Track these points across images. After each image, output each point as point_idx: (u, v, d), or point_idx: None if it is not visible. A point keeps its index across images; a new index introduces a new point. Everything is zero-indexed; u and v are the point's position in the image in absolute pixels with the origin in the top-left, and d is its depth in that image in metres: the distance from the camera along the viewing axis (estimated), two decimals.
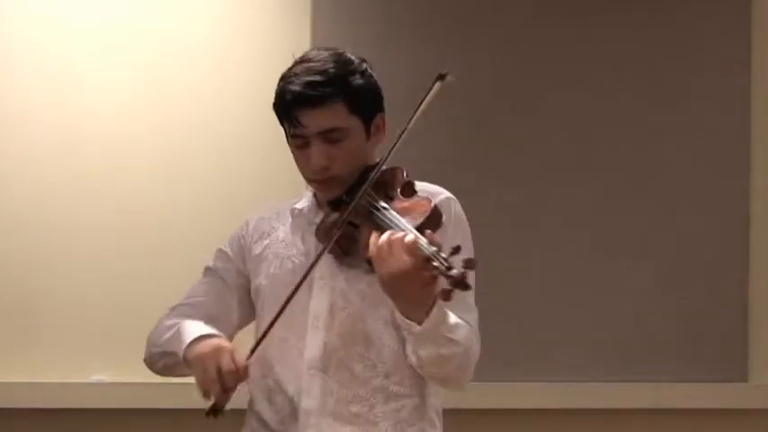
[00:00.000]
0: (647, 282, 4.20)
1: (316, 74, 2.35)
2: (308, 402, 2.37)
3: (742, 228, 4.28)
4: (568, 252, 4.15)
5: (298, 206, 2.49)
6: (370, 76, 2.42)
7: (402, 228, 2.20)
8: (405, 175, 2.36)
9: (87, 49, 3.91)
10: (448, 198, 2.39)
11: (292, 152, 2.44)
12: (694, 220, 4.23)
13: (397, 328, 2.32)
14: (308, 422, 2.37)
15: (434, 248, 2.09)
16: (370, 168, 2.38)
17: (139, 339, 3.88)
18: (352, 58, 2.41)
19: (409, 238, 2.14)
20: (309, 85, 2.34)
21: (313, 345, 2.38)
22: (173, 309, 2.58)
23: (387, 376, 2.37)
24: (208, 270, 2.58)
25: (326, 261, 2.37)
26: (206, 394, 2.29)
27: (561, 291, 4.12)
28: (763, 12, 4.31)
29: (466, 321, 2.31)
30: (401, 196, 2.32)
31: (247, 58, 3.99)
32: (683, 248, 4.23)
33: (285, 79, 2.41)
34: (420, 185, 2.37)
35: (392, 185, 2.35)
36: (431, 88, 2.34)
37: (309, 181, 2.43)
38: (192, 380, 3.99)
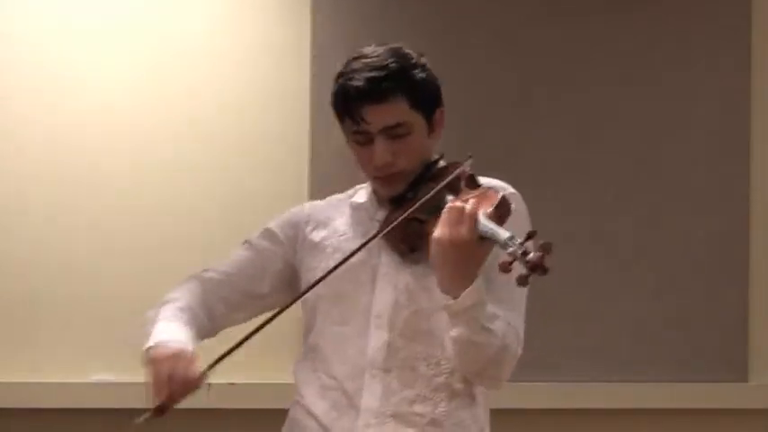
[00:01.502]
0: (647, 282, 4.20)
1: (377, 69, 2.33)
2: (369, 402, 2.34)
3: (742, 228, 4.28)
4: (568, 252, 4.14)
5: (358, 200, 2.46)
6: (429, 69, 2.41)
7: None
8: (467, 168, 2.34)
9: (87, 48, 3.91)
10: (513, 193, 2.38)
11: (353, 149, 2.41)
12: (694, 221, 4.23)
13: None
14: (369, 421, 2.34)
15: (508, 234, 2.08)
16: (430, 163, 2.38)
17: (139, 339, 3.90)
18: (410, 52, 2.40)
19: (470, 209, 2.13)
20: (372, 80, 2.32)
21: (376, 344, 2.35)
22: (203, 271, 2.53)
23: (451, 373, 2.34)
24: (249, 246, 2.53)
25: (390, 258, 2.35)
26: (154, 395, 2.31)
27: (561, 291, 4.11)
28: (763, 12, 4.31)
29: (507, 319, 2.28)
30: (466, 189, 2.29)
31: (247, 58, 3.99)
32: (684, 249, 4.23)
33: (344, 76, 2.37)
34: (483, 179, 2.36)
35: (456, 179, 2.32)
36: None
37: (372, 177, 2.41)
38: None
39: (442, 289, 2.20)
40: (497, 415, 4.24)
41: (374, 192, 2.45)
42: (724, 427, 4.22)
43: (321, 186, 3.96)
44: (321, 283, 2.36)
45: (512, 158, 4.14)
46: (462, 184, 2.31)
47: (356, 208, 2.46)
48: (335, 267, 2.31)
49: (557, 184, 4.17)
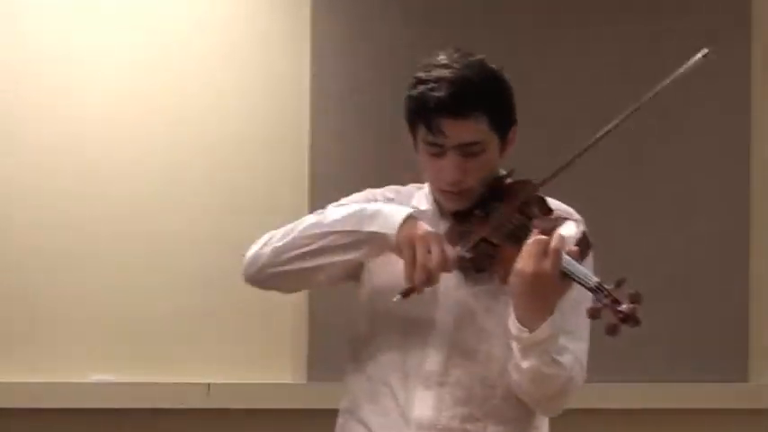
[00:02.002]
0: (647, 282, 4.18)
1: (464, 84, 2.28)
2: (421, 413, 2.31)
3: (742, 229, 4.28)
4: None
5: (419, 206, 2.40)
6: (509, 85, 2.38)
7: None
8: (536, 190, 2.32)
9: (87, 48, 3.91)
10: (579, 219, 2.37)
11: (422, 156, 2.34)
12: (694, 221, 4.23)
13: None
14: None
15: (596, 279, 2.08)
16: (498, 179, 2.35)
17: (139, 339, 3.91)
18: (494, 68, 2.36)
19: (555, 245, 2.13)
20: (456, 95, 2.26)
21: (434, 358, 2.32)
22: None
23: (504, 399, 2.32)
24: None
25: (454, 275, 2.30)
26: (410, 277, 2.18)
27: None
28: (764, 12, 4.31)
29: (574, 351, 2.30)
30: (538, 213, 2.30)
31: (247, 57, 3.99)
32: (684, 249, 4.23)
33: (425, 82, 2.29)
34: (552, 203, 2.36)
35: (528, 202, 2.31)
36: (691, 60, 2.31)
37: (437, 190, 2.36)
38: (190, 380, 4.02)
39: (518, 319, 2.19)
40: None
41: (436, 200, 2.40)
42: (724, 427, 4.23)
43: (321, 186, 3.96)
44: (385, 291, 2.32)
45: (511, 158, 4.14)
46: (536, 209, 2.31)
47: (418, 215, 2.37)
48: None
49: (555, 183, 4.16)
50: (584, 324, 2.31)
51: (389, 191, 2.47)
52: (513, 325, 2.21)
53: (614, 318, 2.05)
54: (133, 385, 3.86)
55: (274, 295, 2.51)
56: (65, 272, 3.87)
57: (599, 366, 4.14)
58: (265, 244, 2.36)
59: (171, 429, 3.91)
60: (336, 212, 2.33)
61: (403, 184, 2.49)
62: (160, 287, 3.90)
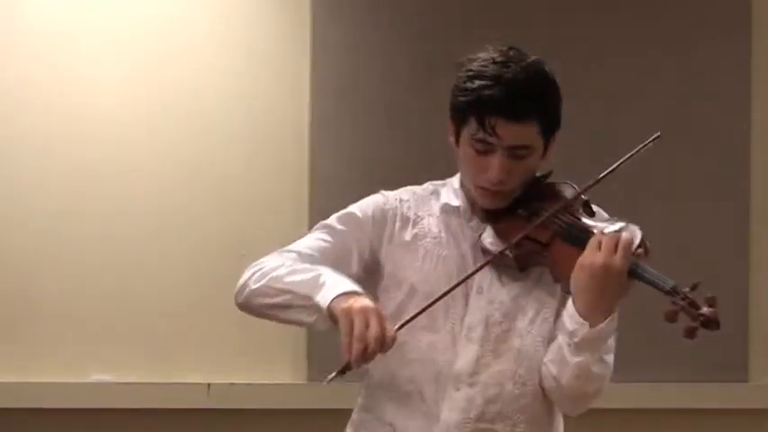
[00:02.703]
0: None
1: (522, 86, 2.28)
2: (449, 414, 2.30)
3: (742, 228, 4.28)
4: None
5: (450, 202, 2.38)
6: (559, 91, 2.39)
7: None
8: (576, 190, 2.35)
9: (87, 48, 3.91)
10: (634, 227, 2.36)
11: (465, 151, 2.32)
12: (694, 220, 4.23)
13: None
14: None
15: (672, 281, 2.10)
16: (536, 180, 2.35)
17: (139, 339, 3.91)
18: (550, 72, 2.37)
19: (627, 238, 2.16)
20: (514, 97, 2.26)
21: (465, 357, 2.30)
22: (287, 252, 2.35)
23: (534, 396, 2.32)
24: (329, 228, 2.39)
25: (487, 273, 2.30)
26: (348, 351, 2.10)
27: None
28: (764, 12, 4.31)
29: (610, 353, 2.30)
30: (587, 215, 2.32)
31: (247, 58, 3.99)
32: (683, 248, 4.22)
33: (481, 77, 2.28)
34: (594, 207, 2.37)
35: (570, 203, 2.32)
36: (645, 145, 2.39)
37: (476, 187, 2.33)
38: (190, 380, 4.02)
39: (580, 313, 2.19)
40: None
41: (467, 196, 2.38)
42: (724, 427, 4.22)
43: (321, 186, 3.96)
44: (416, 285, 2.31)
45: None
46: (581, 209, 2.33)
47: (448, 211, 2.39)
48: (455, 287, 2.24)
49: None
50: (613, 331, 2.31)
51: (405, 192, 2.44)
52: (570, 318, 2.21)
53: (693, 321, 2.07)
54: (133, 385, 3.86)
55: None
56: (65, 272, 3.87)
57: None
58: (248, 278, 2.32)
59: (171, 429, 3.91)
60: (299, 270, 2.26)
61: (404, 184, 2.48)
62: (160, 287, 3.90)
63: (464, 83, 2.30)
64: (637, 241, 2.19)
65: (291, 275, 2.25)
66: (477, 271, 2.27)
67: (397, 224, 2.39)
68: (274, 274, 2.28)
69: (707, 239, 4.24)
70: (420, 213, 2.40)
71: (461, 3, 4.13)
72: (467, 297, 2.31)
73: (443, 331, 2.31)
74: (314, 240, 2.38)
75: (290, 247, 2.37)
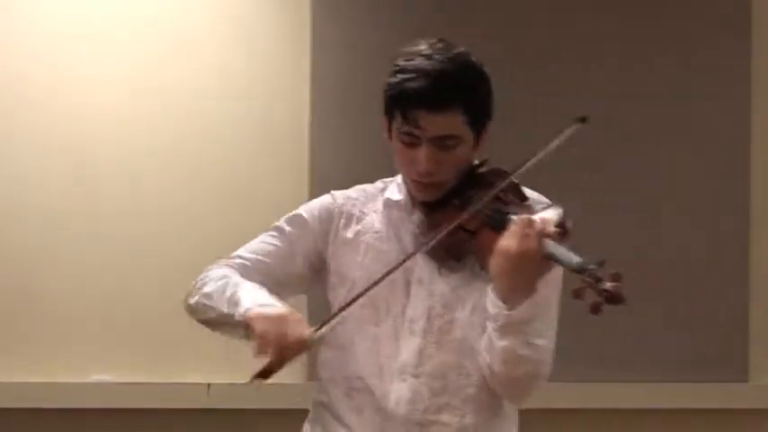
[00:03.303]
0: (647, 282, 4.20)
1: (445, 77, 2.28)
2: (397, 406, 2.32)
3: (742, 228, 4.28)
4: None
5: (392, 197, 2.42)
6: (489, 81, 2.38)
7: None
8: (511, 178, 2.34)
9: (87, 47, 3.91)
10: (556, 206, 2.36)
11: (395, 146, 2.35)
12: (694, 221, 4.23)
13: None
14: (397, 428, 2.32)
15: (579, 258, 2.10)
16: (472, 168, 2.36)
17: (139, 339, 3.91)
18: (477, 62, 2.36)
19: (538, 225, 2.15)
20: (435, 88, 2.26)
21: (408, 349, 2.33)
22: (231, 258, 2.46)
23: (480, 387, 2.33)
24: (277, 231, 2.47)
25: (426, 265, 2.33)
26: (261, 354, 2.21)
27: (561, 290, 4.11)
28: (764, 12, 4.31)
29: (546, 337, 2.31)
30: (514, 199, 2.31)
31: (247, 58, 3.99)
32: (684, 248, 4.23)
33: (405, 71, 2.30)
34: (526, 191, 2.36)
35: (504, 190, 2.32)
36: (567, 129, 2.37)
37: (409, 180, 2.36)
38: (190, 380, 4.02)
39: (498, 297, 2.21)
40: None
41: (409, 191, 2.41)
42: (724, 427, 4.22)
43: (321, 186, 3.95)
44: (359, 280, 2.35)
45: (510, 159, 4.14)
46: (512, 196, 2.32)
47: (390, 205, 2.41)
48: (388, 273, 2.28)
49: (555, 183, 4.15)
50: (554, 314, 2.35)
51: (355, 190, 2.49)
52: (491, 304, 2.22)
53: (598, 296, 2.07)
54: (133, 385, 3.86)
55: None
56: (65, 272, 3.87)
57: (599, 366, 4.16)
58: (189, 291, 2.45)
59: (171, 429, 3.91)
60: (223, 288, 2.36)
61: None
62: (160, 287, 3.89)
63: (390, 78, 2.33)
64: (552, 223, 2.20)
65: (217, 294, 2.36)
66: (401, 264, 2.28)
67: (342, 222, 2.43)
68: (206, 290, 2.39)
69: (707, 239, 4.24)
70: (365, 210, 2.44)
71: (461, 3, 4.13)
72: (408, 289, 2.34)
73: (386, 324, 2.34)
74: (262, 243, 2.47)
75: (239, 251, 2.47)
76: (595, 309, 2.06)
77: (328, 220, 2.44)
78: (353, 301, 2.27)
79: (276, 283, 2.42)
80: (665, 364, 4.18)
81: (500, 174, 2.35)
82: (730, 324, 4.25)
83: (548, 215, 2.23)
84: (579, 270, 2.09)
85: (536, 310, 2.22)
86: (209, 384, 3.89)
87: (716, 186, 4.26)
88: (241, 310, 2.27)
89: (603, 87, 4.20)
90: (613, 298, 2.05)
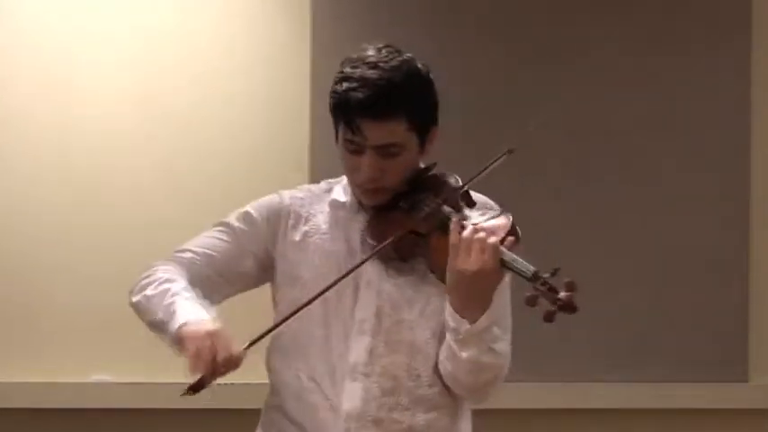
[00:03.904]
0: (647, 282, 4.20)
1: (383, 84, 2.29)
2: (349, 406, 2.35)
3: (742, 228, 4.28)
4: (568, 252, 4.14)
5: (338, 198, 2.44)
6: (433, 86, 2.39)
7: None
8: (459, 182, 2.36)
9: (87, 48, 3.91)
10: (505, 212, 2.38)
11: (340, 151, 2.37)
12: (694, 220, 4.23)
13: (442, 340, 2.33)
14: (350, 425, 2.34)
15: (533, 268, 2.13)
16: (420, 172, 2.38)
17: (139, 339, 3.90)
18: (421, 67, 2.37)
19: (493, 240, 2.17)
20: (375, 96, 2.28)
21: (357, 349, 2.35)
22: (180, 252, 2.48)
23: (430, 386, 2.36)
24: (227, 227, 2.49)
25: (374, 266, 2.35)
26: (193, 372, 2.24)
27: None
28: (763, 12, 4.31)
29: (504, 340, 2.34)
30: (463, 204, 2.33)
31: (247, 58, 3.99)
32: (683, 248, 4.23)
33: (348, 80, 2.32)
34: (475, 196, 2.39)
35: (452, 194, 2.34)
36: (496, 159, 2.37)
37: (354, 185, 2.39)
38: (191, 380, 4.00)
39: (457, 312, 2.24)
40: (496, 415, 4.24)
41: (355, 194, 2.43)
42: (724, 427, 4.22)
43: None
44: (308, 282, 2.37)
45: (510, 158, 4.13)
46: (461, 200, 2.34)
47: (337, 206, 2.44)
48: (333, 284, 2.30)
49: (556, 183, 4.17)
50: (509, 316, 2.37)
51: (301, 191, 2.51)
52: (451, 317, 2.25)
53: (551, 305, 2.11)
54: (133, 385, 3.85)
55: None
56: (65, 272, 3.87)
57: (599, 366, 4.16)
58: (134, 286, 2.53)
59: (171, 429, 3.91)
60: (161, 294, 2.39)
61: None
62: None
63: (335, 85, 2.35)
64: (504, 230, 2.23)
65: (156, 299, 2.39)
66: (352, 271, 2.31)
67: (290, 222, 2.45)
68: (148, 292, 2.44)
69: (707, 239, 4.24)
70: (312, 211, 2.45)
71: (461, 3, 4.13)
72: (356, 290, 2.36)
73: (335, 325, 2.37)
74: (210, 239, 2.48)
75: (188, 245, 2.48)
76: (548, 317, 2.11)
77: (276, 219, 2.46)
78: (287, 318, 2.30)
79: (224, 280, 2.46)
80: (664, 364, 4.18)
81: (448, 177, 2.37)
82: (730, 324, 4.25)
83: (499, 222, 2.25)
84: (534, 279, 2.13)
85: (493, 318, 2.25)
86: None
87: (716, 186, 4.26)
88: (175, 325, 2.30)
89: (603, 87, 4.20)
90: (566, 307, 2.09)
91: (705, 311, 4.22)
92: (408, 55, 2.37)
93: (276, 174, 3.99)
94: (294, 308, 2.31)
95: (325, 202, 2.46)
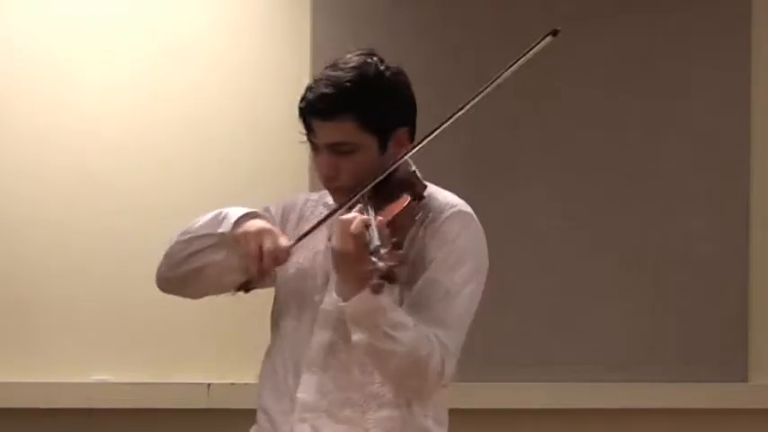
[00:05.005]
0: (646, 281, 4.20)
1: (331, 86, 2.35)
2: (304, 397, 2.40)
3: (742, 228, 4.28)
4: (568, 252, 4.15)
5: (328, 200, 2.51)
6: (396, 89, 2.42)
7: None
8: (418, 180, 2.40)
9: (87, 48, 3.91)
10: (459, 212, 2.40)
11: (310, 152, 2.47)
12: (694, 221, 4.23)
13: None
14: (304, 415, 2.39)
15: (377, 243, 2.14)
16: (389, 176, 2.39)
17: (139, 339, 3.91)
18: (382, 68, 2.41)
19: (355, 224, 2.20)
20: (322, 97, 2.35)
21: (318, 341, 2.40)
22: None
23: (381, 384, 2.37)
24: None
25: None
26: (246, 269, 2.35)
27: (561, 290, 4.12)
28: (764, 12, 4.31)
29: (427, 332, 2.29)
30: (396, 198, 2.34)
31: (247, 58, 3.99)
32: (683, 248, 4.23)
33: (313, 81, 2.42)
34: (441, 194, 2.42)
35: (400, 189, 2.36)
36: (540, 41, 2.37)
37: (323, 185, 2.46)
38: (190, 380, 4.02)
39: (338, 292, 2.29)
40: (496, 415, 4.24)
41: None
42: (724, 427, 4.22)
43: (321, 186, 3.96)
44: (290, 278, 2.46)
45: (510, 158, 4.14)
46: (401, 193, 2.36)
47: (328, 208, 2.50)
48: (297, 240, 2.40)
49: (556, 183, 4.17)
50: (457, 312, 2.34)
51: (317, 193, 2.58)
52: (336, 296, 2.30)
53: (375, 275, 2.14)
54: (133, 385, 3.86)
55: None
56: (65, 272, 3.87)
57: (600, 366, 4.16)
58: (171, 242, 2.57)
59: (171, 429, 3.91)
60: (203, 217, 2.51)
61: None
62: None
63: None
64: (393, 212, 2.27)
65: (195, 225, 2.50)
66: (306, 234, 2.40)
67: (294, 219, 2.56)
68: (179, 235, 2.54)
69: (707, 239, 4.24)
70: (314, 212, 2.54)
71: (461, 3, 4.13)
72: (326, 285, 2.41)
73: (304, 318, 2.43)
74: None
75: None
76: (375, 289, 2.12)
77: (285, 215, 2.58)
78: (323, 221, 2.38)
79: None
80: (664, 364, 4.18)
81: (410, 182, 2.39)
82: (729, 324, 4.25)
83: (391, 206, 2.29)
84: (370, 254, 2.14)
85: (379, 304, 2.23)
86: (209, 384, 3.89)
87: (716, 186, 4.26)
88: (227, 224, 2.41)
89: (603, 86, 4.20)
90: (384, 275, 2.10)
91: (705, 312, 4.22)
92: (376, 58, 2.42)
93: (277, 175, 3.99)
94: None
95: (323, 204, 2.53)
